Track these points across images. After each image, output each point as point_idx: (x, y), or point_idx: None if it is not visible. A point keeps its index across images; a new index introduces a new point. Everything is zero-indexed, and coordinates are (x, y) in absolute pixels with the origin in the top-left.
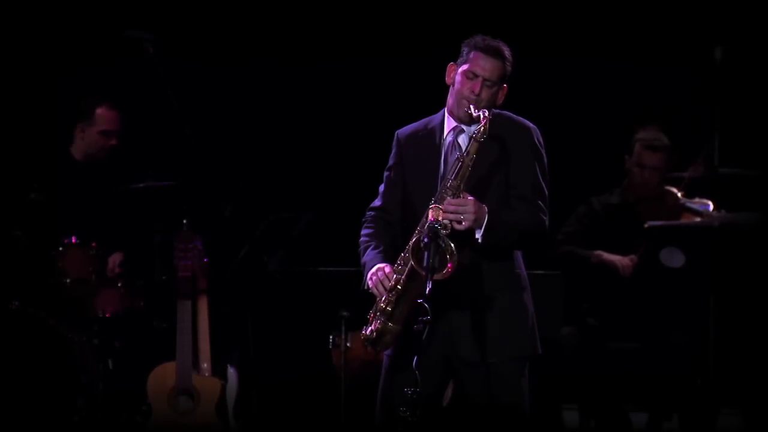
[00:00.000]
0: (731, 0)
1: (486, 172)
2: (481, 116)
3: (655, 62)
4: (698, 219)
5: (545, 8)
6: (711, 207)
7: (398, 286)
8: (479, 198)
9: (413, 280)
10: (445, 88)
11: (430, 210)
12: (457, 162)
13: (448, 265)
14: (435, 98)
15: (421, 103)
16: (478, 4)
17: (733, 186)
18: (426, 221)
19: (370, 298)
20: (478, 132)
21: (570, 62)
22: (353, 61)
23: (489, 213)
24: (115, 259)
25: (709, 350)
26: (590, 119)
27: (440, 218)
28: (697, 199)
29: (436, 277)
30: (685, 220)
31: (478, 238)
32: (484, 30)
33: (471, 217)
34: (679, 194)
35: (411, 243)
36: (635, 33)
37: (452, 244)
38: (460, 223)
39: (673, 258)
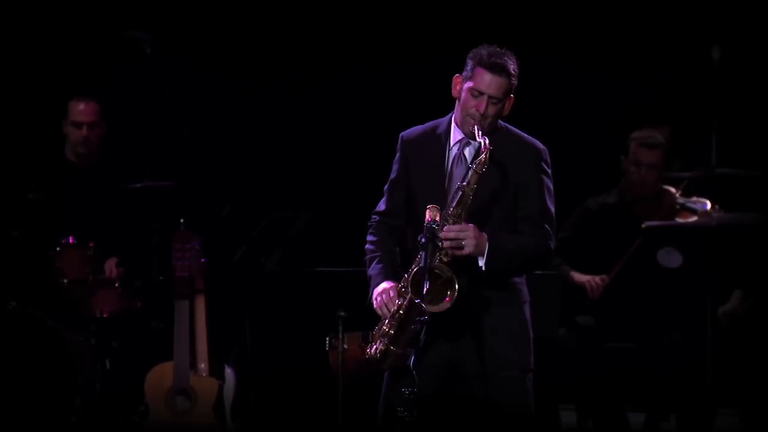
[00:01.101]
0: (730, 0)
1: (491, 192)
2: (482, 145)
3: (654, 62)
4: (695, 218)
5: (544, 8)
6: (709, 206)
7: (400, 311)
8: (484, 216)
9: (414, 309)
10: (446, 90)
11: (428, 211)
12: (458, 191)
13: (446, 299)
14: (431, 100)
15: (418, 104)
16: (474, 5)
17: (731, 186)
18: (421, 244)
19: (367, 297)
20: (479, 163)
21: (567, 62)
22: (351, 62)
23: (490, 240)
24: (110, 264)
25: (706, 350)
26: (588, 120)
27: (437, 218)
28: (694, 198)
29: (434, 309)
30: (682, 219)
31: (481, 266)
32: (483, 32)
33: (472, 242)
34: (677, 194)
35: (411, 273)
36: (633, 33)
37: (455, 279)
38: (461, 248)
39: (671, 258)
